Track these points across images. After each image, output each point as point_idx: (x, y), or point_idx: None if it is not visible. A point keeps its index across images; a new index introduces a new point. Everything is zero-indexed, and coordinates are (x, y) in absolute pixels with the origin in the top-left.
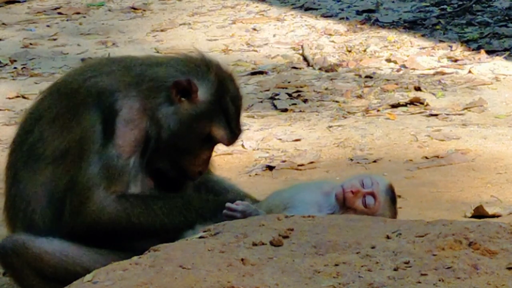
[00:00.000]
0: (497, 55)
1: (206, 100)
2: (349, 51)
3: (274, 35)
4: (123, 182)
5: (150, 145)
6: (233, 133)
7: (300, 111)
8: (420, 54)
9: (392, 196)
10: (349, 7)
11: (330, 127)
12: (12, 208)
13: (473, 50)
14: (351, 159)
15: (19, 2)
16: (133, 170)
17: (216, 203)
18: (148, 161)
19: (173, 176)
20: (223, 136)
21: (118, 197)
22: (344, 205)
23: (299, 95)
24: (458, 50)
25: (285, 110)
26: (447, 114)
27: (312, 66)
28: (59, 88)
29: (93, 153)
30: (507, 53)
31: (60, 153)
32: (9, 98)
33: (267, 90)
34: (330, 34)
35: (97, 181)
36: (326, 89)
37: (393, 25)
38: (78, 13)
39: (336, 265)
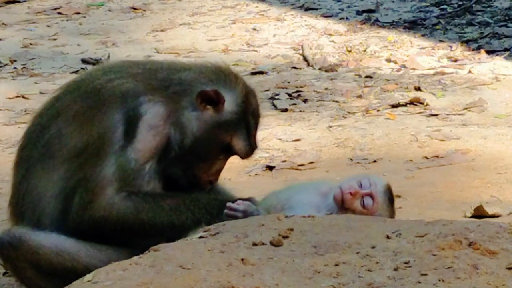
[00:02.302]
0: (497, 55)
1: (231, 110)
2: (349, 51)
3: (274, 35)
4: (135, 186)
5: (171, 151)
6: (251, 147)
7: (300, 111)
8: (420, 54)
9: (390, 197)
10: (349, 7)
11: (330, 127)
12: (19, 205)
13: (473, 50)
14: (351, 159)
15: (19, 2)
16: (147, 175)
17: (222, 202)
18: (163, 167)
19: (183, 183)
20: (241, 148)
21: (128, 194)
22: (342, 206)
23: (299, 95)
24: (458, 50)
25: (285, 110)
26: (447, 114)
27: (312, 66)
28: (79, 87)
29: (110, 153)
30: (507, 53)
31: (77, 151)
32: (9, 98)
33: (267, 90)
34: (330, 34)
35: (110, 181)
36: (326, 89)
37: (393, 25)
38: (78, 13)
39: (336, 265)
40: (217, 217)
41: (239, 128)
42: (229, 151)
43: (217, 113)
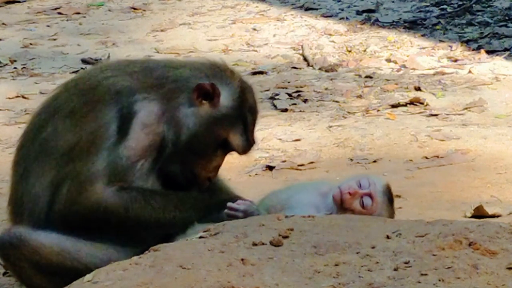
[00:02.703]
0: (497, 55)
1: (227, 105)
2: (349, 51)
3: (274, 35)
4: (125, 183)
5: (166, 149)
6: (248, 143)
7: (300, 111)
8: (420, 54)
9: (389, 197)
10: (349, 7)
11: (330, 127)
12: (18, 205)
13: (473, 50)
14: (351, 159)
15: (19, 2)
16: (138, 173)
17: (211, 202)
18: (161, 164)
19: (181, 180)
20: (238, 144)
21: (117, 190)
22: (341, 206)
23: (299, 95)
24: (458, 50)
25: (285, 110)
26: (447, 114)
27: (312, 66)
28: (76, 84)
29: (102, 149)
30: (507, 53)
31: (69, 146)
32: (9, 98)
33: (267, 90)
34: (330, 34)
35: (100, 176)
36: (326, 89)
37: (393, 25)
38: (78, 13)
39: (336, 265)
40: (206, 218)
41: (235, 123)
42: (227, 147)
43: (213, 108)
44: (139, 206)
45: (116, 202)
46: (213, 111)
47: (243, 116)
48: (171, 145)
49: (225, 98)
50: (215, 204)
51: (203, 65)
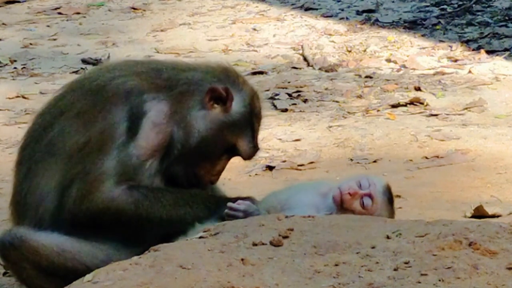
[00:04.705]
0: (497, 55)
1: (238, 111)
2: (349, 51)
3: (274, 35)
4: (135, 182)
5: (174, 150)
6: (255, 149)
7: (300, 111)
8: (420, 54)
9: (389, 197)
10: (349, 7)
11: (330, 127)
12: (21, 204)
13: (473, 50)
14: (351, 159)
15: (19, 2)
16: (148, 172)
17: (220, 198)
18: (166, 165)
19: (183, 182)
20: (245, 150)
21: (127, 188)
22: (341, 206)
23: (299, 95)
24: (458, 50)
25: (285, 110)
26: (447, 114)
27: (312, 66)
28: (82, 85)
29: (112, 148)
30: (507, 53)
31: (79, 146)
32: (9, 98)
33: (267, 90)
34: (330, 34)
35: (110, 175)
36: (326, 89)
37: (393, 25)
38: (78, 13)
39: (336, 265)
40: (216, 213)
41: (245, 129)
42: (233, 152)
43: (224, 113)
44: (150, 204)
45: (126, 200)
46: (224, 115)
47: (252, 122)
48: (179, 146)
49: (237, 104)
50: (224, 200)
51: (214, 69)
